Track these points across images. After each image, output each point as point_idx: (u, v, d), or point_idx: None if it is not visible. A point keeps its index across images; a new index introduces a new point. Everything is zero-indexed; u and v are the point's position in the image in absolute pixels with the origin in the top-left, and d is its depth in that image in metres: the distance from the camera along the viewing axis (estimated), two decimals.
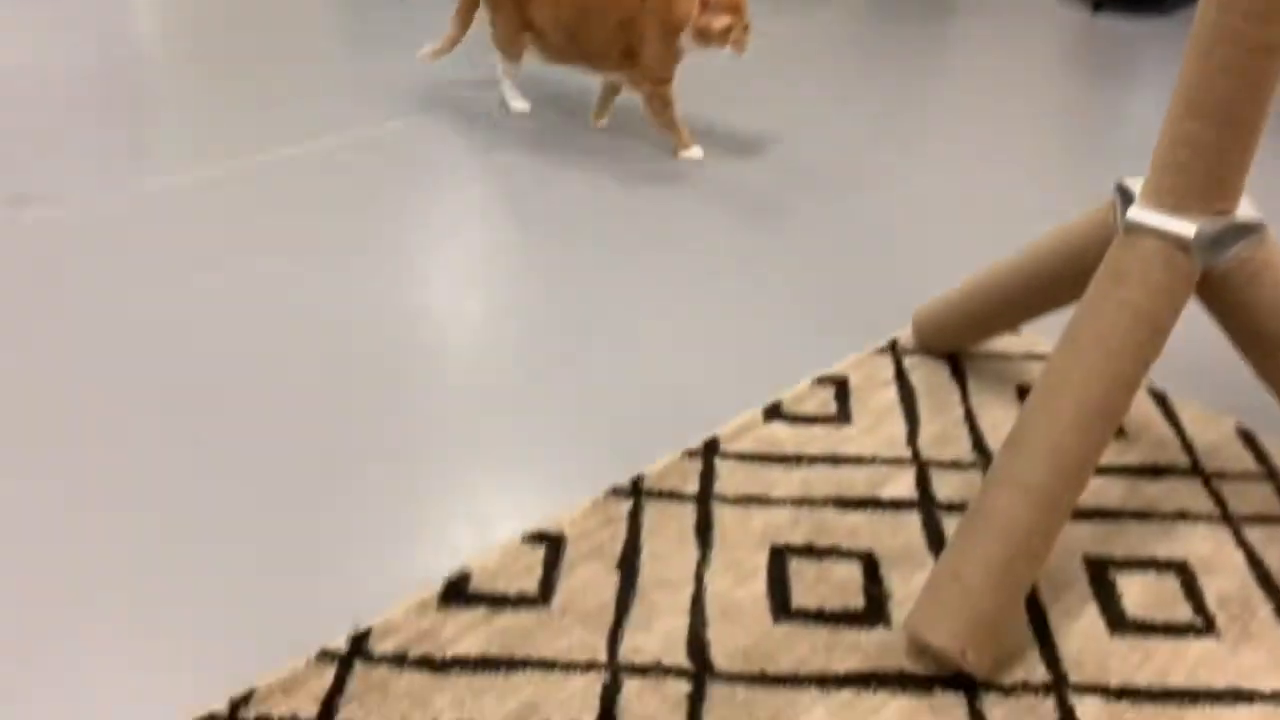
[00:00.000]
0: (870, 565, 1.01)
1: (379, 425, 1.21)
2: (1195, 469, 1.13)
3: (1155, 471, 1.13)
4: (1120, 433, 1.18)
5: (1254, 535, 1.04)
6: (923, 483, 1.11)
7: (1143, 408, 1.22)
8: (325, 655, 0.90)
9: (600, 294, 1.47)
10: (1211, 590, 0.98)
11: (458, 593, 0.97)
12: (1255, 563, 1.01)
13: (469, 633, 0.93)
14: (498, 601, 0.97)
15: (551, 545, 1.03)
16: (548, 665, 0.90)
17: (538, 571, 1.00)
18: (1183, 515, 1.07)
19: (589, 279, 1.51)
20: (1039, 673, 0.90)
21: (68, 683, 0.89)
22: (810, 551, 1.03)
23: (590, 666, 0.90)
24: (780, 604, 0.97)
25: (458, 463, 1.16)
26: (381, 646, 0.91)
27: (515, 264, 1.57)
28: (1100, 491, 1.09)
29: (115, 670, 0.90)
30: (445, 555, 1.01)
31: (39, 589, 0.98)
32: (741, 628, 0.94)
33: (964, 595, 0.87)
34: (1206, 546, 1.03)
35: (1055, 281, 1.10)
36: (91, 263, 1.51)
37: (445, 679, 0.89)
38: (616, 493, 1.10)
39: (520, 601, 0.97)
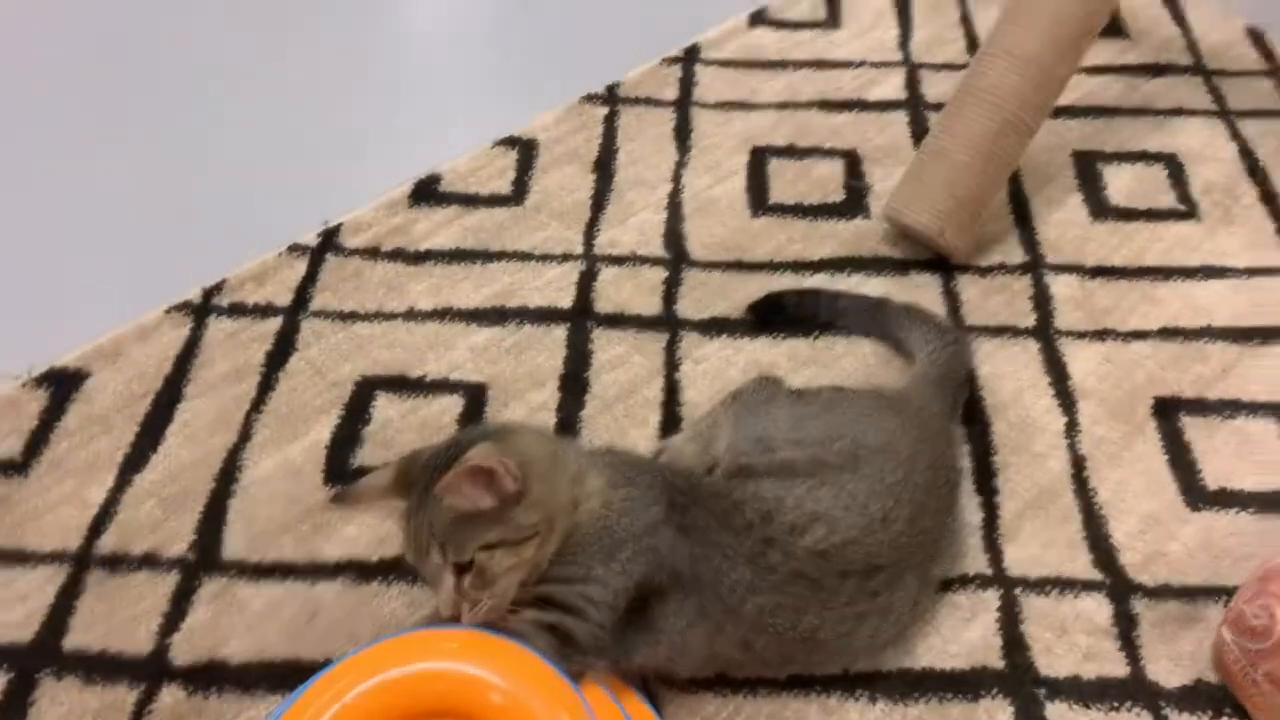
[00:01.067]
0: (852, 162, 0.98)
1: (347, 39, 1.14)
2: (1198, 67, 1.07)
3: (1155, 70, 1.07)
4: (1122, 33, 1.11)
5: (1249, 128, 1.00)
6: (912, 84, 1.06)
7: (1149, 9, 1.15)
8: (296, 248, 0.89)
9: None
10: (1198, 179, 0.96)
11: (428, 192, 0.95)
12: (1246, 153, 0.98)
13: (442, 229, 0.92)
14: (470, 200, 0.94)
15: (524, 149, 0.99)
16: (523, 256, 0.90)
17: (510, 173, 0.97)
18: (1178, 111, 1.02)
19: None
20: (1016, 255, 0.89)
21: (60, 276, 0.89)
22: (791, 151, 0.99)
23: (567, 258, 0.90)
24: (758, 200, 0.95)
25: (425, 73, 1.10)
26: (353, 241, 0.90)
27: None
28: (1095, 90, 1.04)
29: (96, 265, 0.89)
30: (413, 161, 0.98)
31: (28, 198, 0.95)
32: (719, 221, 0.93)
33: (948, 172, 0.84)
34: (1199, 139, 0.99)
35: None
36: None
37: (420, 269, 0.88)
38: (591, 99, 1.04)
39: (493, 200, 0.94)
